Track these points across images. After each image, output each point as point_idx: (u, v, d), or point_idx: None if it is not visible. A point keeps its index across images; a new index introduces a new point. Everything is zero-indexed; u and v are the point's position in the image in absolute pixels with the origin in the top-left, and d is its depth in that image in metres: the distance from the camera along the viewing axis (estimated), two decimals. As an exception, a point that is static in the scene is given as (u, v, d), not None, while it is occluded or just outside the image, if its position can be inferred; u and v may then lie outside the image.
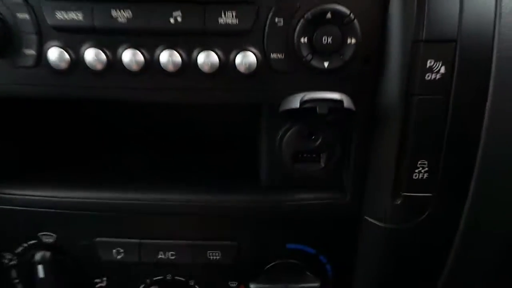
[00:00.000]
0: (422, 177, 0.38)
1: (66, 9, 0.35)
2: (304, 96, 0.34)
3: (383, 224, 0.42)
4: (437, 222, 0.41)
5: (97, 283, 0.47)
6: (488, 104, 0.36)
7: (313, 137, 0.41)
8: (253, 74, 0.37)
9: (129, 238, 0.44)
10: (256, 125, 0.46)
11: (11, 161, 0.47)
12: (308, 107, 0.35)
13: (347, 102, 0.35)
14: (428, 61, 0.35)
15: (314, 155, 0.42)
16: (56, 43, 0.36)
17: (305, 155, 0.42)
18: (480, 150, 0.37)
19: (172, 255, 0.44)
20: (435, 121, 0.37)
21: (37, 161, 0.50)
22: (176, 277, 0.46)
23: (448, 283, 0.47)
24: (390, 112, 0.37)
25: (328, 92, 0.34)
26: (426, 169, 0.38)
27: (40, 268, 0.43)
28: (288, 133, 0.41)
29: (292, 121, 0.40)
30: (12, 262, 0.46)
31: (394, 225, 0.41)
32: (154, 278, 0.46)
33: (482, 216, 0.40)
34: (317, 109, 0.34)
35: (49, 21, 0.36)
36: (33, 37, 0.36)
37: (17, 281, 0.47)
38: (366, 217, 0.43)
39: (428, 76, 0.36)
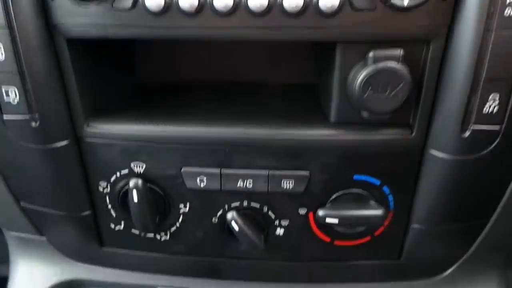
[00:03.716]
0: (492, 111, 0.41)
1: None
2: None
3: (448, 156, 0.45)
4: (501, 155, 0.44)
5: (180, 208, 0.52)
6: None
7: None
8: (335, 13, 0.39)
9: (211, 168, 0.49)
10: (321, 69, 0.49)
11: (99, 97, 0.52)
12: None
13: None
14: (508, -5, 0.36)
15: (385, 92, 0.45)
16: (152, -16, 0.39)
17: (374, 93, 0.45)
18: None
19: (250, 183, 0.49)
20: (511, 55, 0.38)
21: (122, 97, 0.55)
22: (252, 204, 0.51)
23: (500, 218, 0.50)
24: (466, 46, 0.39)
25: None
26: (497, 102, 0.40)
27: (134, 193, 0.49)
28: (363, 73, 0.43)
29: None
30: (106, 190, 0.53)
31: (459, 157, 0.44)
32: (232, 204, 0.51)
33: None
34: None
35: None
36: (132, -20, 0.40)
37: (109, 206, 0.54)
38: (431, 150, 0.46)
39: (508, 12, 0.37)
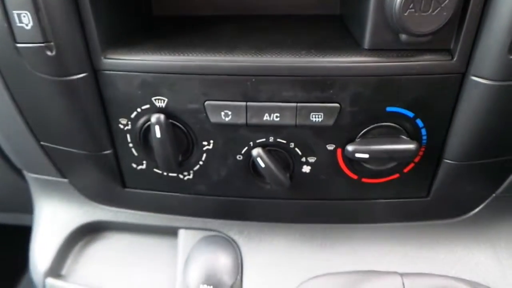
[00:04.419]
0: (547, 28, 0.37)
1: None
2: None
3: (492, 82, 0.42)
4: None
5: (204, 145, 0.51)
6: None
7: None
8: None
9: (236, 101, 0.46)
10: None
11: (115, 27, 0.49)
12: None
13: None
14: None
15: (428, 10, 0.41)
16: None
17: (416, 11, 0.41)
18: None
19: (277, 116, 0.46)
20: None
21: (139, 30, 0.52)
22: (278, 140, 0.49)
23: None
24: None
25: None
26: (554, 17, 0.37)
27: (157, 128, 0.47)
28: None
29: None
30: (126, 128, 0.51)
31: (504, 83, 0.41)
32: (257, 141, 0.49)
33: None
34: None
35: None
36: None
37: (131, 145, 0.53)
38: (472, 77, 0.43)
39: None
